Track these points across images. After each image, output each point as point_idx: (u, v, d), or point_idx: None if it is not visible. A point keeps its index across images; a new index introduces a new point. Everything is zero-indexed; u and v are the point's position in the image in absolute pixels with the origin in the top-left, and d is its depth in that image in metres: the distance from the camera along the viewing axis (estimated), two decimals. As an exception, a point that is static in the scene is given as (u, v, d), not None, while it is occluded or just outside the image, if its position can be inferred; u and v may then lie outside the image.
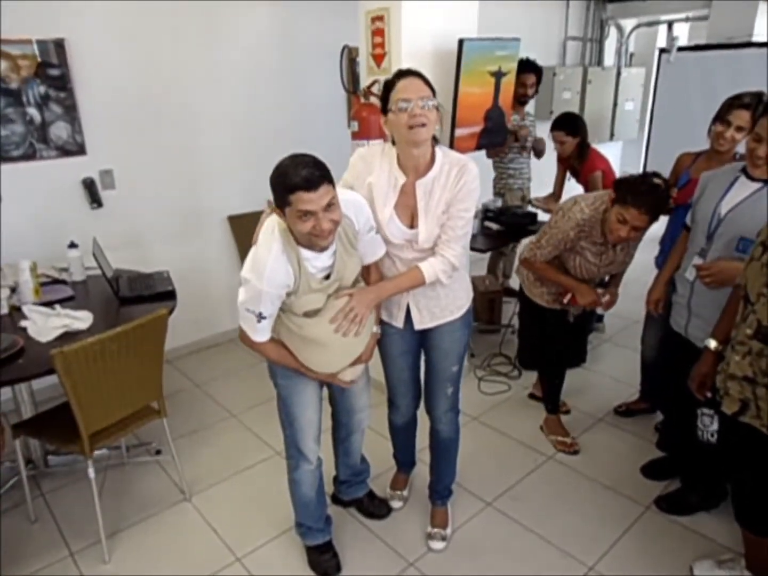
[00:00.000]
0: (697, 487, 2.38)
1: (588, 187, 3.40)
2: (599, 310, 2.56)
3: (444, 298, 1.97)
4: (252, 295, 1.65)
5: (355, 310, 1.74)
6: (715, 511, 2.34)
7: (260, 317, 1.68)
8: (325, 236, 1.59)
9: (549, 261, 2.46)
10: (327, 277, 1.74)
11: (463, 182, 1.77)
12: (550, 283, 2.56)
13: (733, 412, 1.66)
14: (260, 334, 1.74)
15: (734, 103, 2.29)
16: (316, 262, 1.70)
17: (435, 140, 1.79)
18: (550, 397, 2.88)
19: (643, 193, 2.09)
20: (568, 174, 3.69)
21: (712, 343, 1.84)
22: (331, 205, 1.56)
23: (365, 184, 1.84)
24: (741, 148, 2.17)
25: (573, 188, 3.53)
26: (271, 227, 1.67)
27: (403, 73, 1.72)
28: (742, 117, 2.24)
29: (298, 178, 1.50)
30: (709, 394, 1.87)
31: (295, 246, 1.65)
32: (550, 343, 2.73)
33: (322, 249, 1.68)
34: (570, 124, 3.39)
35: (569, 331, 2.68)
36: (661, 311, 2.38)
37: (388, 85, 1.73)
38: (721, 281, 1.93)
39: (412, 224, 1.85)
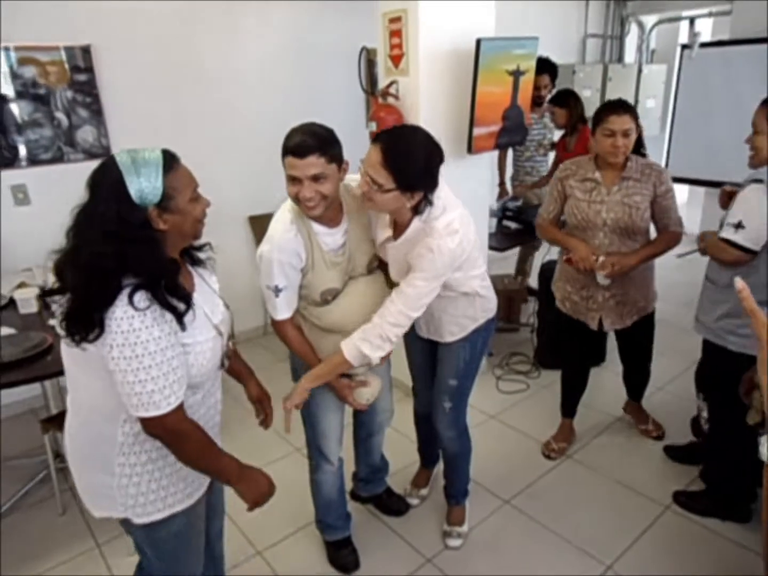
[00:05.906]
0: (719, 492, 2.34)
1: None
2: (599, 279, 2.35)
3: (438, 320, 1.95)
4: (266, 268, 1.68)
5: (290, 400, 1.74)
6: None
7: (276, 290, 1.70)
8: (308, 206, 1.60)
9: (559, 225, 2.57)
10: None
11: (416, 253, 1.66)
12: (572, 279, 2.52)
13: (756, 423, 1.64)
14: (279, 311, 1.76)
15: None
16: (327, 238, 1.71)
17: (416, 212, 1.68)
18: (563, 398, 2.82)
19: (610, 102, 2.35)
20: None
21: None
22: (320, 178, 1.56)
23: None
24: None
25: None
26: (286, 202, 1.71)
27: None
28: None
29: (291, 143, 1.55)
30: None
31: (306, 219, 1.68)
32: (567, 340, 2.69)
33: (332, 225, 1.70)
34: (558, 96, 3.74)
35: (588, 330, 2.62)
36: None
37: None
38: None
39: None
